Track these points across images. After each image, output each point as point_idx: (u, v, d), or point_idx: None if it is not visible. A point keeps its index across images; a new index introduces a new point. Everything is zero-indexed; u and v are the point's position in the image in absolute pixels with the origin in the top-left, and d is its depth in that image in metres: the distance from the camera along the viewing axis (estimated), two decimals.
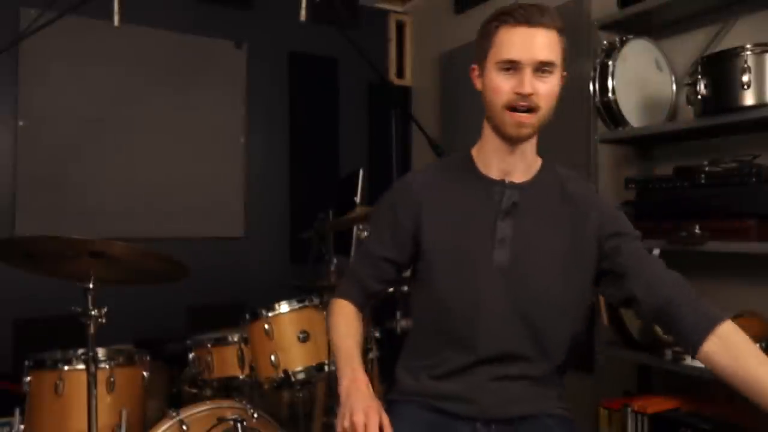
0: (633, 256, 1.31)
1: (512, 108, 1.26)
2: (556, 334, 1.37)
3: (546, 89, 1.27)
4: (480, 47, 1.32)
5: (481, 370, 1.34)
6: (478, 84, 1.35)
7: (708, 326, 1.19)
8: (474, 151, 1.42)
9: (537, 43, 1.25)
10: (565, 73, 1.35)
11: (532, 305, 1.33)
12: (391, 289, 1.62)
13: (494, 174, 1.37)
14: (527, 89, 1.24)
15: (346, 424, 1.15)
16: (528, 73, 1.24)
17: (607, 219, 1.34)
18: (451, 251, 1.35)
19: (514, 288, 1.32)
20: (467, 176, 1.39)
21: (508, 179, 1.36)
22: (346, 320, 1.41)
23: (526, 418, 1.35)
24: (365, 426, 1.13)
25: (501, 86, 1.26)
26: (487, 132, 1.37)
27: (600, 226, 1.33)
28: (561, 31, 1.31)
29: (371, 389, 1.24)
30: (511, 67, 1.25)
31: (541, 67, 1.26)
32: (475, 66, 1.35)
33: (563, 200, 1.36)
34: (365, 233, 1.55)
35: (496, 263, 1.32)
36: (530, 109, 1.26)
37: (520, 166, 1.37)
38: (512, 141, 1.32)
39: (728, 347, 1.17)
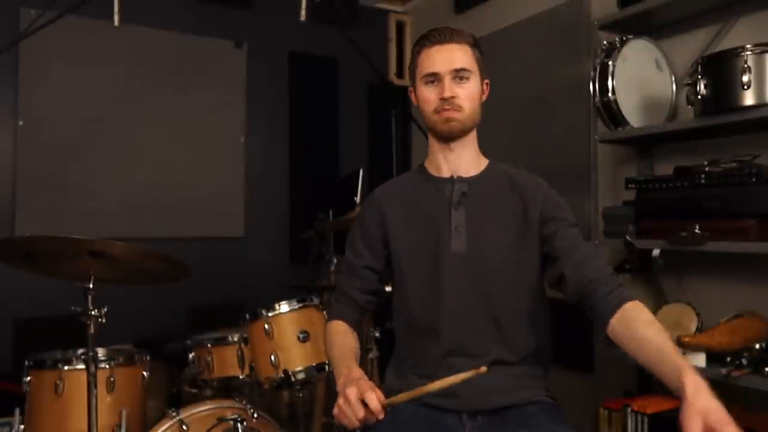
0: (566, 240, 1.42)
1: (440, 110, 1.46)
2: (516, 314, 1.46)
3: (465, 92, 1.46)
4: (410, 71, 1.55)
5: (455, 362, 1.41)
6: (414, 100, 1.55)
7: (616, 304, 1.28)
8: (426, 162, 1.61)
9: (450, 55, 1.45)
10: (486, 81, 1.53)
11: (489, 287, 1.44)
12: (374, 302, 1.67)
13: (444, 174, 1.54)
14: (447, 93, 1.44)
15: (341, 401, 1.21)
16: (447, 80, 1.44)
17: (549, 204, 1.47)
18: (414, 246, 1.50)
19: (472, 272, 1.44)
20: (422, 181, 1.58)
21: (456, 175, 1.52)
22: (339, 337, 1.51)
23: (510, 408, 1.41)
24: (359, 394, 1.19)
25: (428, 96, 1.48)
26: (431, 140, 1.56)
27: (542, 210, 1.46)
28: (473, 45, 1.49)
29: (360, 374, 1.29)
30: (434, 79, 1.46)
31: (458, 74, 1.45)
32: (411, 88, 1.56)
33: (511, 189, 1.51)
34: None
35: (454, 250, 1.45)
36: (454, 109, 1.46)
37: (465, 162, 1.54)
38: (447, 137, 1.50)
39: (628, 321, 1.25)
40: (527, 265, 1.46)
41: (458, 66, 1.45)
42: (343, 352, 1.44)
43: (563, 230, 1.43)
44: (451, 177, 1.53)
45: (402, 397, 1.22)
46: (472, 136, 1.55)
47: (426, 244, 1.48)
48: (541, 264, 1.47)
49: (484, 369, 1.16)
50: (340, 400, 1.21)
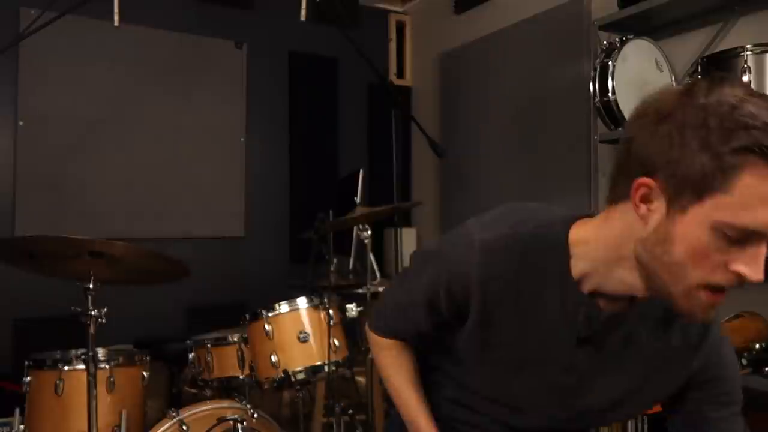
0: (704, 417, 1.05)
1: (710, 288, 0.84)
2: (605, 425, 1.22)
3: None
4: (685, 164, 0.80)
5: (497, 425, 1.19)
6: (644, 211, 0.85)
7: None
8: (576, 245, 0.97)
9: None
10: None
11: (590, 422, 1.14)
12: None
13: (587, 286, 0.97)
14: (760, 276, 0.81)
15: None
16: (764, 249, 0.82)
17: (716, 377, 1.05)
18: (501, 362, 1.07)
19: (569, 414, 1.10)
20: (550, 275, 0.98)
21: (603, 300, 0.97)
22: (395, 365, 1.23)
23: None
24: None
25: (710, 259, 0.81)
26: (621, 262, 0.91)
27: (702, 369, 1.04)
28: None
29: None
30: (747, 238, 0.80)
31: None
32: (652, 183, 0.83)
33: (669, 329, 1.02)
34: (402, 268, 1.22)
35: (565, 398, 1.07)
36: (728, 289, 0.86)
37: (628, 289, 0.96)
38: (688, 320, 0.96)
39: None
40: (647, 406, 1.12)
41: None
42: (408, 395, 1.21)
43: (722, 414, 1.06)
44: (595, 301, 0.97)
45: None
46: None
47: (519, 368, 1.06)
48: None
49: None
50: None
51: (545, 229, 0.99)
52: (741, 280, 0.82)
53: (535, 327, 1.01)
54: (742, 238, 0.79)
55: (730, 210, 0.78)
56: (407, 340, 1.23)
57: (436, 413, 1.23)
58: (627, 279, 0.91)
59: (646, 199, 0.85)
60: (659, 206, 0.84)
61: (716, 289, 0.83)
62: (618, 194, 0.90)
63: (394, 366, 1.23)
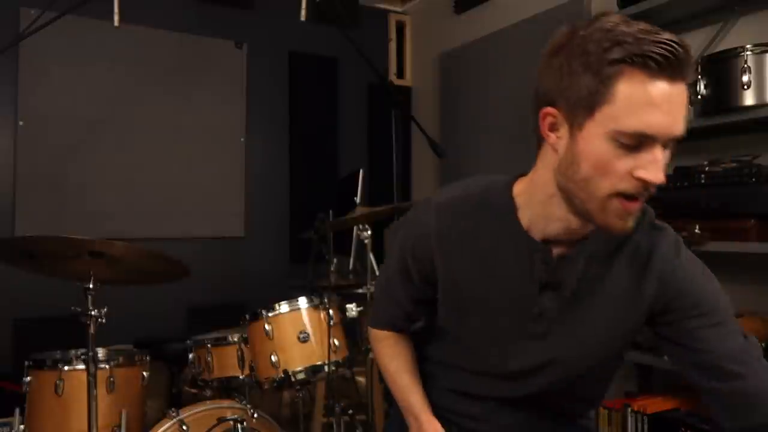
0: (703, 348, 1.03)
1: (623, 196, 0.91)
2: (596, 386, 1.25)
3: (665, 168, 0.92)
4: (573, 86, 0.90)
5: (492, 402, 1.24)
6: (554, 139, 0.96)
7: None
8: (518, 195, 1.07)
9: (679, 109, 0.88)
10: None
11: (571, 369, 1.15)
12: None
13: (536, 234, 1.05)
14: (660, 177, 0.88)
15: None
16: (660, 152, 0.89)
17: (675, 289, 1.05)
18: (474, 318, 1.14)
19: (549, 356, 1.13)
20: (505, 233, 1.07)
21: (554, 247, 1.06)
22: (392, 354, 1.30)
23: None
24: None
25: (615, 166, 0.89)
26: (552, 195, 1.00)
27: (659, 295, 1.06)
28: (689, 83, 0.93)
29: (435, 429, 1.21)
30: (640, 142, 0.88)
31: (671, 142, 0.90)
32: (552, 110, 0.95)
33: (620, 258, 1.06)
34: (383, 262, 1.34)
35: (531, 334, 1.11)
36: (643, 197, 0.93)
37: (578, 233, 1.04)
38: (609, 232, 0.97)
39: None
40: (619, 347, 1.15)
41: (681, 132, 0.90)
42: (402, 380, 1.27)
43: (708, 331, 1.03)
44: (548, 246, 1.05)
45: None
46: None
47: (493, 322, 1.13)
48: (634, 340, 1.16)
49: None
50: None
51: (492, 188, 1.10)
52: (646, 185, 0.89)
53: (498, 279, 1.09)
54: (636, 143, 0.88)
55: (618, 117, 0.87)
56: (401, 327, 1.30)
57: (434, 405, 1.27)
58: (561, 214, 1.00)
59: (553, 128, 0.96)
60: (564, 132, 0.94)
61: (628, 197, 0.91)
62: (538, 137, 1.02)
63: (390, 355, 1.29)
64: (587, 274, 1.06)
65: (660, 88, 0.86)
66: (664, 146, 0.90)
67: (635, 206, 0.92)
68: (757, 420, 1.00)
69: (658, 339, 1.12)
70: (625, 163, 0.88)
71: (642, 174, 0.88)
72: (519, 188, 1.08)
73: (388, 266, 1.25)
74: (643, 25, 0.88)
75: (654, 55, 0.84)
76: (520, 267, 1.07)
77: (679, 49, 0.85)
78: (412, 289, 1.21)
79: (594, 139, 0.89)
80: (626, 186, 0.89)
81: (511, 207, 1.07)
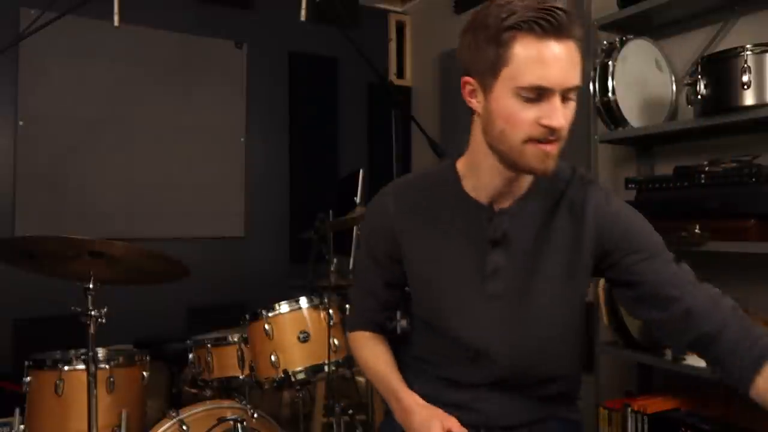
0: (643, 280, 1.14)
1: (536, 140, 1.07)
2: (564, 356, 1.29)
3: (570, 116, 1.08)
4: (481, 57, 1.07)
5: (488, 387, 1.28)
6: (475, 104, 1.13)
7: (757, 361, 1.03)
8: (461, 167, 1.24)
9: (567, 63, 1.04)
10: None
11: (533, 332, 1.23)
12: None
13: (482, 198, 1.21)
14: (559, 121, 1.04)
15: None
16: (557, 101, 1.04)
17: (609, 229, 1.17)
18: (438, 284, 1.25)
19: (512, 318, 1.22)
20: (453, 199, 1.23)
21: (497, 205, 1.21)
22: (368, 350, 1.37)
23: (532, 423, 1.29)
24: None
25: (522, 117, 1.05)
26: (485, 156, 1.16)
27: (599, 237, 1.18)
28: (581, 40, 1.08)
29: (417, 401, 1.23)
30: (538, 94, 1.04)
31: (568, 93, 1.06)
32: (470, 80, 1.12)
33: (559, 211, 1.20)
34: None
35: (490, 295, 1.21)
36: (557, 140, 1.08)
37: (516, 191, 1.20)
38: (534, 174, 1.14)
39: None
40: (574, 297, 1.24)
41: (574, 84, 1.05)
42: (380, 369, 1.31)
43: (642, 264, 1.15)
44: (491, 206, 1.20)
45: None
46: None
47: (455, 285, 1.23)
48: (589, 285, 1.26)
49: None
50: None
51: (441, 166, 1.28)
52: (551, 130, 1.05)
53: (453, 244, 1.22)
54: (536, 96, 1.04)
55: (517, 76, 1.03)
56: (378, 321, 1.39)
57: (423, 398, 1.29)
58: (495, 171, 1.16)
59: (472, 95, 1.14)
60: (481, 97, 1.11)
61: (540, 141, 1.07)
62: (469, 110, 1.17)
63: (367, 352, 1.37)
64: (532, 230, 1.19)
65: (548, 46, 1.02)
66: (563, 97, 1.05)
67: (549, 148, 1.07)
68: (693, 334, 1.10)
69: (612, 286, 1.24)
70: (530, 114, 1.05)
71: (545, 121, 1.04)
72: (461, 161, 1.25)
73: (359, 261, 1.36)
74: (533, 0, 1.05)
75: (539, 21, 1.00)
76: (471, 229, 1.21)
77: (560, 13, 1.02)
78: (383, 273, 1.32)
79: (502, 97, 1.06)
80: (535, 132, 1.06)
81: (456, 178, 1.23)
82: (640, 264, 1.15)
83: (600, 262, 1.20)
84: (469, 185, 1.22)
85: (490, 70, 1.06)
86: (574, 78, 1.05)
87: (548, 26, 1.01)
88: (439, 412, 1.17)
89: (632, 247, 1.16)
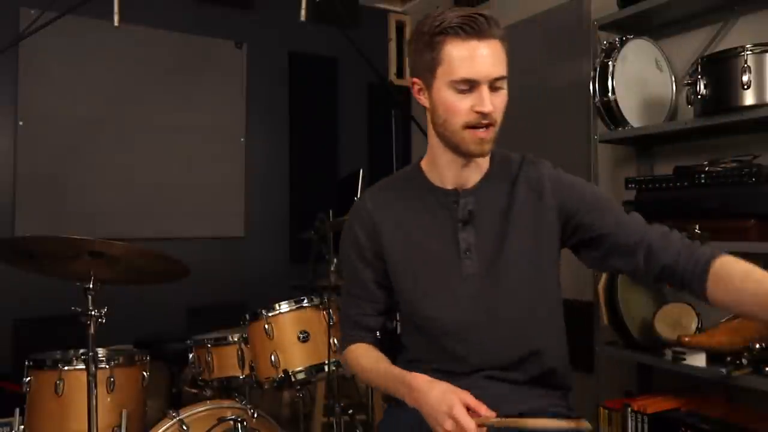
0: (605, 233, 1.28)
1: (471, 126, 1.24)
2: (544, 328, 1.35)
3: (500, 103, 1.26)
4: (420, 60, 1.28)
5: (475, 375, 1.33)
6: (423, 100, 1.31)
7: (703, 272, 1.17)
8: (424, 165, 1.40)
9: (490, 58, 1.22)
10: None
11: (512, 306, 1.31)
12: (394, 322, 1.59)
13: (448, 185, 1.36)
14: (488, 107, 1.22)
15: (448, 427, 1.12)
16: (485, 90, 1.22)
17: (564, 195, 1.32)
18: (417, 270, 1.34)
19: (490, 294, 1.30)
20: (421, 191, 1.38)
21: (461, 188, 1.35)
22: (365, 358, 1.40)
23: (523, 416, 1.30)
24: (465, 422, 1.11)
25: (459, 106, 1.24)
26: (439, 147, 1.34)
27: (560, 204, 1.31)
28: (504, 39, 1.26)
29: (427, 379, 1.23)
30: (468, 86, 1.22)
31: (495, 83, 1.23)
32: (416, 80, 1.31)
33: (518, 189, 1.34)
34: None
35: (467, 276, 1.31)
36: (489, 125, 1.25)
37: (474, 174, 1.36)
38: (474, 157, 1.31)
39: (725, 281, 1.15)
40: (548, 268, 1.34)
41: (498, 74, 1.23)
42: (381, 368, 1.33)
43: (593, 218, 1.29)
44: (456, 190, 1.34)
45: (495, 421, 1.11)
46: None
47: (430, 269, 1.33)
48: (559, 256, 1.36)
49: (586, 425, 1.08)
50: (448, 425, 1.11)
51: (409, 167, 1.45)
52: (482, 115, 1.22)
53: (428, 231, 1.35)
54: (467, 87, 1.22)
55: (449, 72, 1.22)
56: (371, 327, 1.44)
57: None
58: (449, 157, 1.33)
59: (420, 93, 1.31)
60: (426, 94, 1.30)
61: (475, 127, 1.24)
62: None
63: (364, 359, 1.40)
64: (497, 208, 1.33)
65: (472, 45, 1.20)
66: (491, 87, 1.22)
67: (483, 133, 1.25)
68: (658, 269, 1.23)
69: (578, 253, 1.35)
70: (464, 103, 1.23)
71: (477, 108, 1.22)
72: (424, 160, 1.41)
73: (347, 271, 1.44)
74: (459, 9, 1.25)
75: (462, 25, 1.20)
76: (441, 213, 1.35)
77: (481, 18, 1.21)
78: (373, 271, 1.40)
79: (440, 90, 1.25)
80: (470, 119, 1.23)
81: (421, 174, 1.40)
82: (601, 219, 1.29)
83: (566, 226, 1.32)
84: (433, 177, 1.38)
85: (429, 70, 1.26)
86: (498, 70, 1.22)
87: (470, 29, 1.20)
88: (453, 387, 1.17)
89: (590, 206, 1.30)
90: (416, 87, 1.32)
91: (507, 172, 1.36)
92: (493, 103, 1.22)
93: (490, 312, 1.31)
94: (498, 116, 1.25)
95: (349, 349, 1.44)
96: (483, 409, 1.13)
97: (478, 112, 1.23)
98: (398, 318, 1.54)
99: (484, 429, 1.11)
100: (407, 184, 1.41)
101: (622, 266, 1.29)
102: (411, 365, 1.36)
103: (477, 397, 1.22)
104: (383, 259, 1.38)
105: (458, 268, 1.32)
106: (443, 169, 1.35)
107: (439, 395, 1.16)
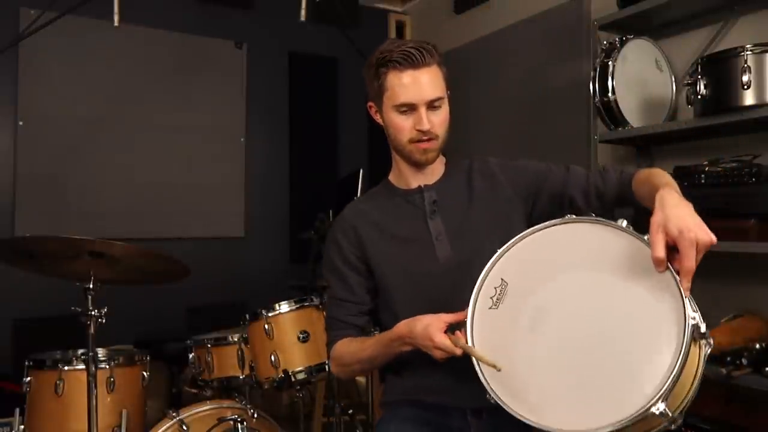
0: (557, 193, 1.48)
1: (416, 141, 1.45)
2: None
3: (440, 119, 1.45)
4: (371, 88, 1.50)
5: (458, 361, 1.34)
6: (378, 119, 1.52)
7: (629, 185, 1.41)
8: (392, 177, 1.61)
9: (425, 84, 1.42)
10: (449, 92, 1.50)
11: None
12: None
13: (412, 185, 1.54)
14: (426, 126, 1.42)
15: (439, 353, 1.27)
16: (423, 111, 1.42)
17: (516, 175, 1.52)
18: (397, 263, 1.48)
19: (463, 276, 1.37)
20: (389, 196, 1.57)
21: (423, 184, 1.53)
22: (354, 343, 1.48)
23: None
24: (445, 345, 1.25)
25: (402, 125, 1.45)
26: (398, 159, 1.55)
27: (513, 185, 1.50)
28: (441, 64, 1.46)
29: (405, 321, 1.34)
30: (408, 108, 1.42)
31: (432, 103, 1.42)
32: (371, 104, 1.53)
33: (474, 179, 1.53)
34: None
35: (442, 259, 1.45)
36: (430, 139, 1.45)
37: (433, 175, 1.55)
38: (423, 165, 1.51)
39: (637, 186, 1.39)
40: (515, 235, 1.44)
41: (433, 96, 1.42)
42: (368, 342, 1.44)
43: (544, 184, 1.49)
44: (419, 187, 1.52)
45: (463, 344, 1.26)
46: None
47: (408, 259, 1.47)
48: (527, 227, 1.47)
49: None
50: (438, 353, 1.26)
51: (378, 185, 1.63)
52: (422, 131, 1.42)
53: (402, 228, 1.50)
54: (408, 109, 1.42)
55: (392, 97, 1.43)
56: (358, 325, 1.52)
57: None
58: (407, 167, 1.53)
59: (376, 115, 1.52)
60: (379, 116, 1.50)
61: (419, 141, 1.44)
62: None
63: (355, 348, 1.47)
64: (458, 199, 1.51)
65: (408, 74, 1.41)
66: (430, 106, 1.42)
67: (425, 145, 1.45)
68: (611, 201, 1.45)
69: (552, 216, 1.41)
70: (407, 123, 1.44)
71: (417, 126, 1.42)
72: (391, 174, 1.61)
73: (333, 275, 1.55)
74: (399, 42, 1.45)
75: (398, 58, 1.40)
76: (410, 210, 1.52)
77: (414, 51, 1.40)
78: (358, 275, 1.52)
79: (388, 113, 1.46)
80: (413, 135, 1.44)
81: (391, 185, 1.59)
82: (550, 182, 1.49)
83: (531, 197, 1.50)
84: (400, 183, 1.57)
85: (378, 96, 1.47)
86: (434, 92, 1.42)
87: (405, 61, 1.40)
88: (429, 317, 1.30)
89: (536, 175, 1.50)
90: (372, 109, 1.53)
91: (461, 170, 1.56)
92: (432, 121, 1.42)
93: (465, 282, 1.35)
94: (438, 130, 1.44)
95: (335, 347, 1.52)
96: (458, 317, 1.29)
97: (418, 130, 1.43)
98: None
99: (463, 339, 1.25)
100: (380, 195, 1.60)
101: (592, 210, 1.46)
102: (398, 366, 1.47)
103: (462, 388, 1.35)
104: (367, 263, 1.51)
105: (433, 252, 1.46)
106: (406, 175, 1.54)
107: (420, 332, 1.29)
